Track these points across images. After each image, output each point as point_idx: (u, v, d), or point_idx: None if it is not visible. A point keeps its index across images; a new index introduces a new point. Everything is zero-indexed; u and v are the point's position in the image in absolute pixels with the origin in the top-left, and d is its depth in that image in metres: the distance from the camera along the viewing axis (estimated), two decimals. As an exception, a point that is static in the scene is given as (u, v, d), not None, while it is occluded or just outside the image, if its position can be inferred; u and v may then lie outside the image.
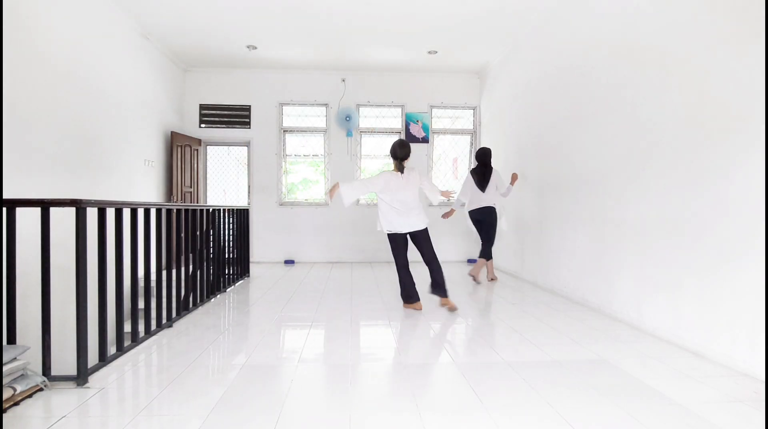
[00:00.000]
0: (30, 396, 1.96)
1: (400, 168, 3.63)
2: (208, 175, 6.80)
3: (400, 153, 3.62)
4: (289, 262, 6.63)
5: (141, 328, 2.77)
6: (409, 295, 3.63)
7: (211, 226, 4.11)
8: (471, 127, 6.94)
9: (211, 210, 4.13)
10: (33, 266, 2.32)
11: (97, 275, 2.29)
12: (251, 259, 6.05)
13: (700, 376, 2.23)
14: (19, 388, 1.90)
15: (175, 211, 3.40)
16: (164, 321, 3.03)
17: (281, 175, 6.72)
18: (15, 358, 1.97)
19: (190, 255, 3.60)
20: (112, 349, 2.52)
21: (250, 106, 6.65)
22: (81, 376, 2.10)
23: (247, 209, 5.39)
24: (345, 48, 5.70)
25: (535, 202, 4.85)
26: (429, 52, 5.83)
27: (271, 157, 6.67)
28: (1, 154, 2.15)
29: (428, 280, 3.72)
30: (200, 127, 6.60)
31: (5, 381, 1.89)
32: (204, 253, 3.86)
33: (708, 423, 1.75)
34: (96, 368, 2.25)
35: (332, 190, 3.57)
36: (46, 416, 1.80)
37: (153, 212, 3.02)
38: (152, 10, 4.59)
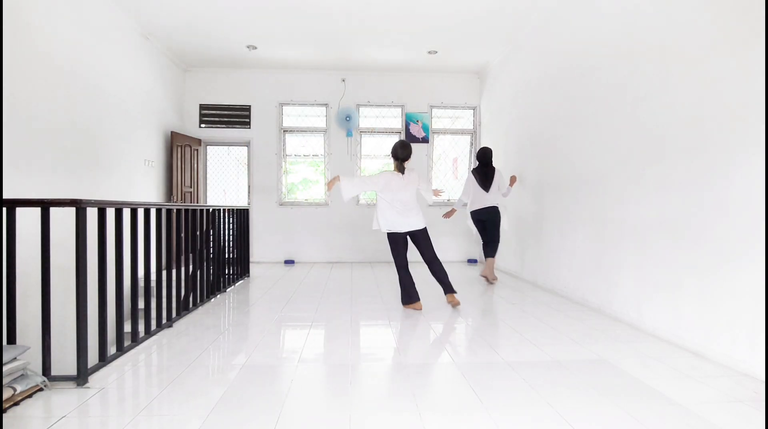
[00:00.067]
0: (30, 396, 1.95)
1: (400, 168, 3.68)
2: (208, 175, 6.81)
3: (401, 154, 3.66)
4: (289, 262, 6.63)
5: (141, 328, 2.77)
6: (409, 295, 3.64)
7: (211, 226, 4.11)
8: (471, 127, 6.94)
9: (211, 210, 4.13)
10: (33, 266, 2.32)
11: (97, 275, 2.29)
12: (251, 259, 6.05)
13: (700, 376, 2.23)
14: (19, 388, 1.90)
15: (175, 211, 3.40)
16: (164, 321, 3.04)
17: (281, 175, 6.72)
18: (15, 358, 1.97)
19: (190, 255, 3.60)
20: (112, 349, 2.52)
21: (250, 106, 6.65)
22: (81, 376, 2.10)
23: (247, 209, 5.39)
24: (345, 48, 5.70)
25: (535, 202, 4.85)
26: (429, 52, 5.84)
27: (271, 157, 6.67)
28: (1, 154, 2.15)
29: (428, 280, 3.76)
30: (200, 127, 6.60)
31: (5, 381, 1.89)
32: (204, 253, 3.86)
33: (708, 423, 1.75)
34: (96, 368, 2.25)
35: (332, 182, 3.63)
36: (46, 416, 1.80)
37: (153, 212, 3.02)
38: (152, 10, 4.60)
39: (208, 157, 6.79)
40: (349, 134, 6.65)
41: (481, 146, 5.04)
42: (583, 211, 3.86)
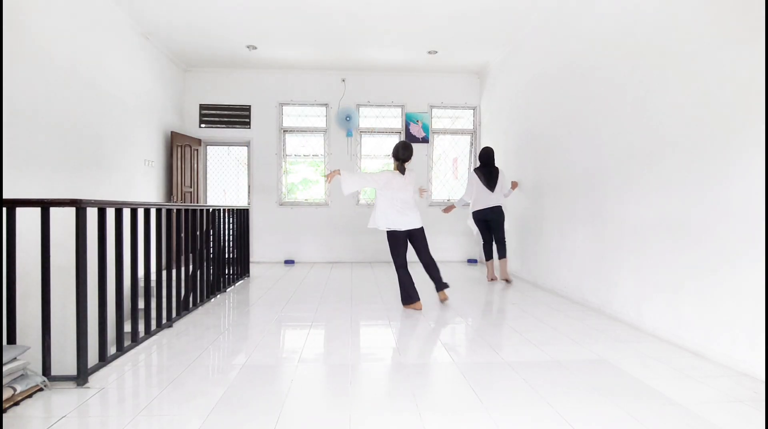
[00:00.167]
0: (30, 396, 1.95)
1: (401, 169, 3.74)
2: (208, 175, 6.80)
3: (402, 154, 3.72)
4: (289, 262, 6.63)
5: (141, 328, 2.77)
6: (410, 295, 3.64)
7: (211, 226, 4.11)
8: (471, 127, 6.94)
9: (211, 210, 4.13)
10: (33, 266, 2.32)
11: (97, 275, 2.29)
12: (251, 259, 6.05)
13: (700, 376, 2.23)
14: (19, 388, 1.90)
15: (175, 211, 3.40)
16: (164, 321, 3.04)
17: (281, 175, 6.72)
18: (15, 358, 1.97)
19: (190, 255, 3.61)
20: (112, 349, 2.52)
21: (250, 106, 6.65)
22: (81, 376, 2.10)
23: (247, 209, 5.39)
24: (345, 48, 5.70)
25: (536, 202, 4.85)
26: (429, 52, 5.83)
27: (271, 157, 6.67)
28: (1, 154, 2.15)
29: (428, 280, 3.79)
30: (200, 127, 6.60)
31: (5, 381, 1.89)
32: (204, 253, 3.86)
33: (708, 423, 1.75)
34: (96, 368, 2.25)
35: (332, 175, 3.68)
36: (46, 416, 1.80)
37: (153, 212, 3.03)
38: (152, 10, 4.60)
39: (208, 157, 6.79)
40: (349, 134, 6.65)
41: (484, 146, 5.05)
42: (583, 211, 3.86)
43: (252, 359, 2.47)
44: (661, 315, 2.87)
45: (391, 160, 3.81)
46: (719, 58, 2.44)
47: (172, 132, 5.87)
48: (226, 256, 4.60)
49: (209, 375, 2.26)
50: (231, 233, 4.73)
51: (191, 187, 6.30)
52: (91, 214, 2.23)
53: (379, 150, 6.91)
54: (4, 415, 1.80)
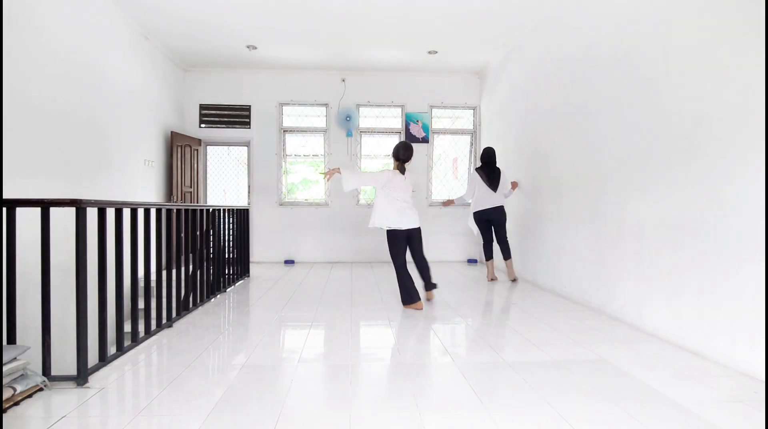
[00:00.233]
0: (30, 396, 1.95)
1: (401, 169, 3.77)
2: (208, 175, 6.80)
3: (403, 155, 3.76)
4: (289, 262, 6.62)
5: (141, 328, 2.77)
6: (410, 294, 3.65)
7: (211, 226, 4.11)
8: (471, 127, 6.94)
9: (211, 210, 4.13)
10: (33, 266, 2.32)
11: (97, 275, 2.29)
12: (251, 259, 6.04)
13: (700, 376, 2.23)
14: (19, 388, 1.90)
15: (175, 211, 3.40)
16: (164, 321, 3.03)
17: (281, 175, 6.72)
18: (15, 358, 1.97)
19: (190, 255, 3.61)
20: (112, 349, 2.52)
21: (250, 106, 6.65)
22: (81, 376, 2.10)
23: (247, 209, 5.39)
24: (345, 48, 5.70)
25: (536, 202, 4.85)
26: (429, 52, 5.83)
27: (271, 157, 6.67)
28: (1, 154, 2.15)
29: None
30: (200, 127, 6.60)
31: (5, 381, 1.89)
32: (204, 253, 3.86)
33: (708, 423, 1.75)
34: (96, 368, 2.25)
35: (331, 172, 3.72)
36: (46, 416, 1.80)
37: (153, 212, 3.02)
38: (152, 10, 4.59)
39: (208, 157, 6.79)
40: (349, 134, 6.65)
41: (486, 146, 5.05)
42: (583, 211, 3.86)
43: (252, 359, 2.47)
44: (662, 315, 2.87)
45: (391, 160, 3.82)
46: (719, 58, 2.44)
47: (172, 132, 5.87)
48: (226, 256, 4.60)
49: (209, 375, 2.26)
50: (231, 233, 4.73)
51: (191, 187, 6.30)
52: (91, 214, 2.23)
53: (379, 150, 6.90)
54: (4, 415, 1.80)
